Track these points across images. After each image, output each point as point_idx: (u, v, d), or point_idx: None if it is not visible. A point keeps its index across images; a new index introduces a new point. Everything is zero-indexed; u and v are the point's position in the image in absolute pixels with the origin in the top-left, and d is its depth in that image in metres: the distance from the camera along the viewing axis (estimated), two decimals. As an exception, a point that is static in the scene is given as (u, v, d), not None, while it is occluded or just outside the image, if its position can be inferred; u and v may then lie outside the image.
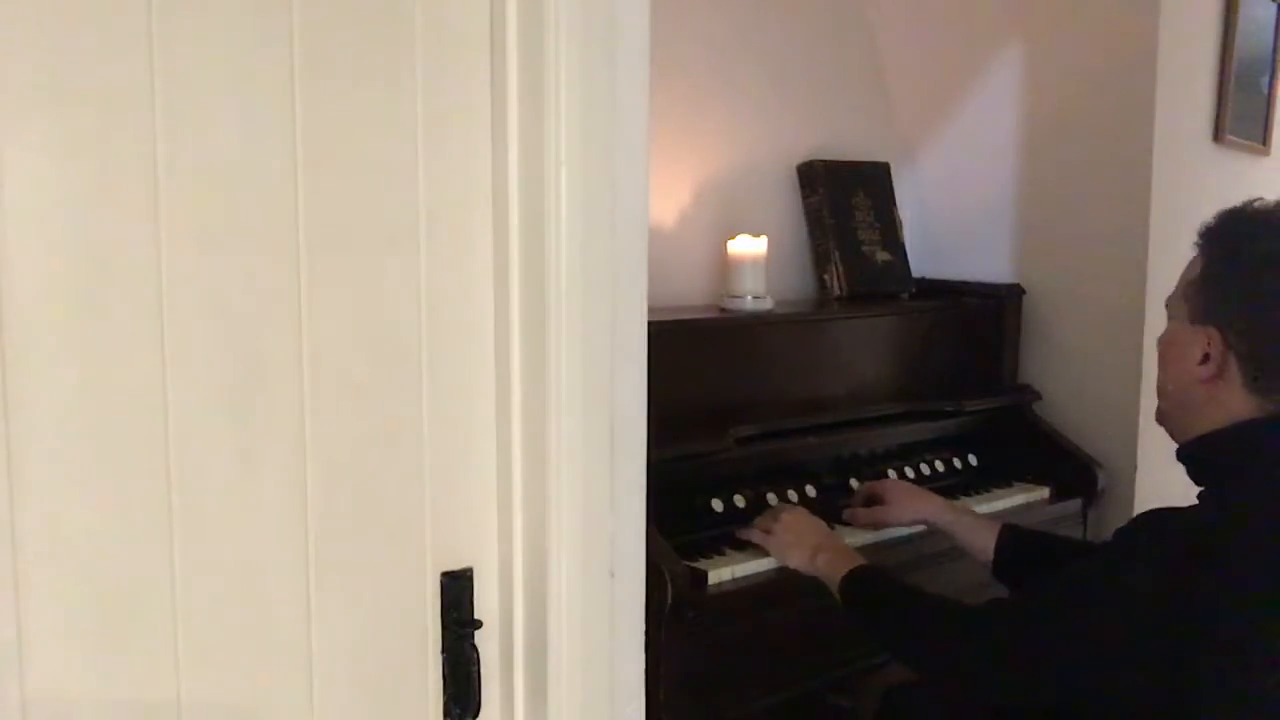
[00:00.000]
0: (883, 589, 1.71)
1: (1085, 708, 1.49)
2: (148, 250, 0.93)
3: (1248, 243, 1.49)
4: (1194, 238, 1.56)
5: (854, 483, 2.23)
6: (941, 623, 1.61)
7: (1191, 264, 1.55)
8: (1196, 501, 1.52)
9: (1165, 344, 1.58)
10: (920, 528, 2.09)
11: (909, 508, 2.05)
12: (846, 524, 2.09)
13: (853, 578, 1.71)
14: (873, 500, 2.10)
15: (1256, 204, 1.52)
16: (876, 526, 2.07)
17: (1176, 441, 1.58)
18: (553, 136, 1.08)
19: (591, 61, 1.08)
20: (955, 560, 2.12)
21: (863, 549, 2.01)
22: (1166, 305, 1.59)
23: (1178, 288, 1.56)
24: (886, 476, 2.29)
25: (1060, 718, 1.62)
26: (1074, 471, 2.49)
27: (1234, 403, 1.48)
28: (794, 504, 2.05)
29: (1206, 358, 1.48)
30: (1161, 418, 1.61)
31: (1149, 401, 2.42)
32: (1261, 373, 1.47)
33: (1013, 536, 1.89)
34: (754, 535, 1.91)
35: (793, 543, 1.85)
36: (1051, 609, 1.50)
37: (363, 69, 1.04)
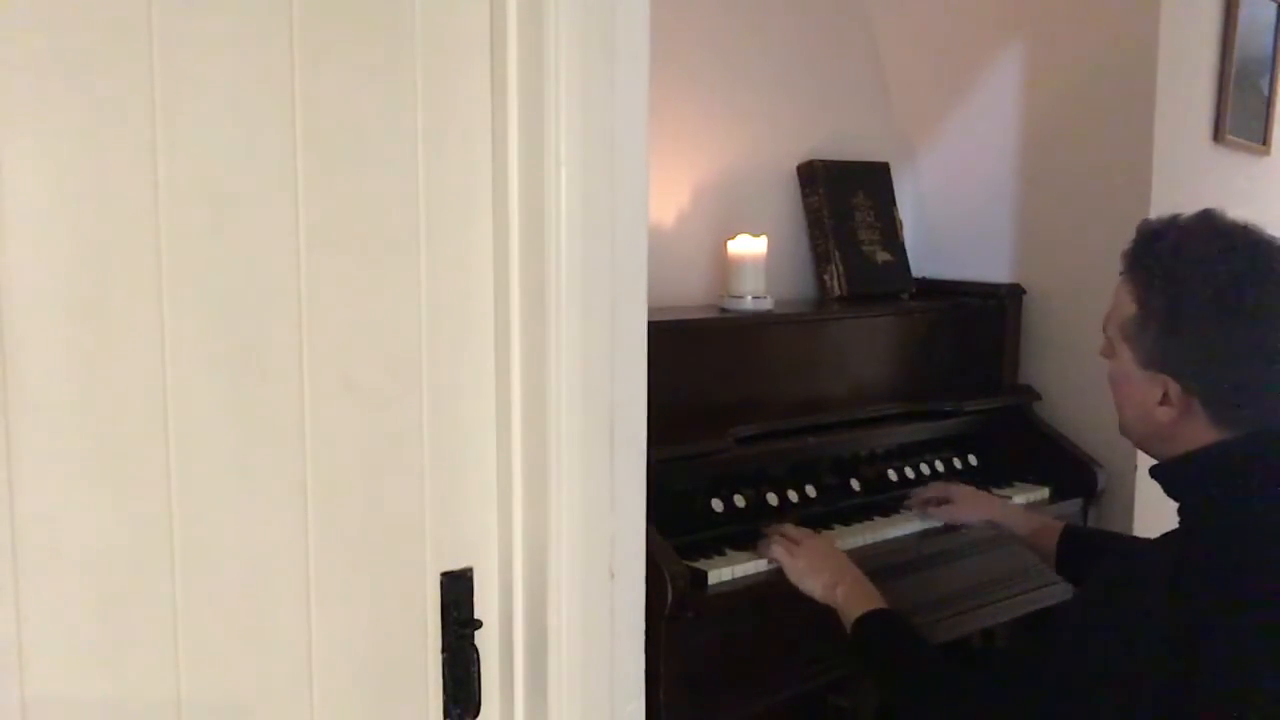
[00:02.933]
0: (894, 639, 1.68)
1: None
2: (148, 251, 0.93)
3: (1182, 285, 1.41)
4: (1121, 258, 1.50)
5: (854, 483, 2.23)
6: (943, 685, 1.59)
7: (1122, 297, 1.48)
8: (1177, 515, 1.51)
9: (1118, 383, 1.52)
10: (924, 527, 2.15)
11: (978, 509, 2.13)
12: (850, 522, 2.10)
13: (867, 621, 1.69)
14: (940, 500, 2.18)
15: (1181, 223, 1.46)
16: (944, 521, 2.16)
17: (1146, 454, 1.55)
18: (553, 136, 1.07)
19: (591, 61, 1.08)
20: (954, 561, 2.13)
21: (864, 549, 2.01)
22: (1105, 331, 1.53)
23: (1113, 320, 1.50)
24: (886, 477, 2.30)
25: None
26: (1074, 471, 2.49)
27: (1202, 432, 1.44)
28: (815, 517, 2.03)
29: (1165, 398, 1.44)
30: (1127, 436, 1.57)
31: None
32: (1225, 409, 1.42)
33: (1073, 536, 1.93)
34: (776, 552, 1.89)
35: (814, 570, 1.82)
36: (1044, 682, 1.47)
37: (363, 69, 1.04)
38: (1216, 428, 1.43)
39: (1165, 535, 1.48)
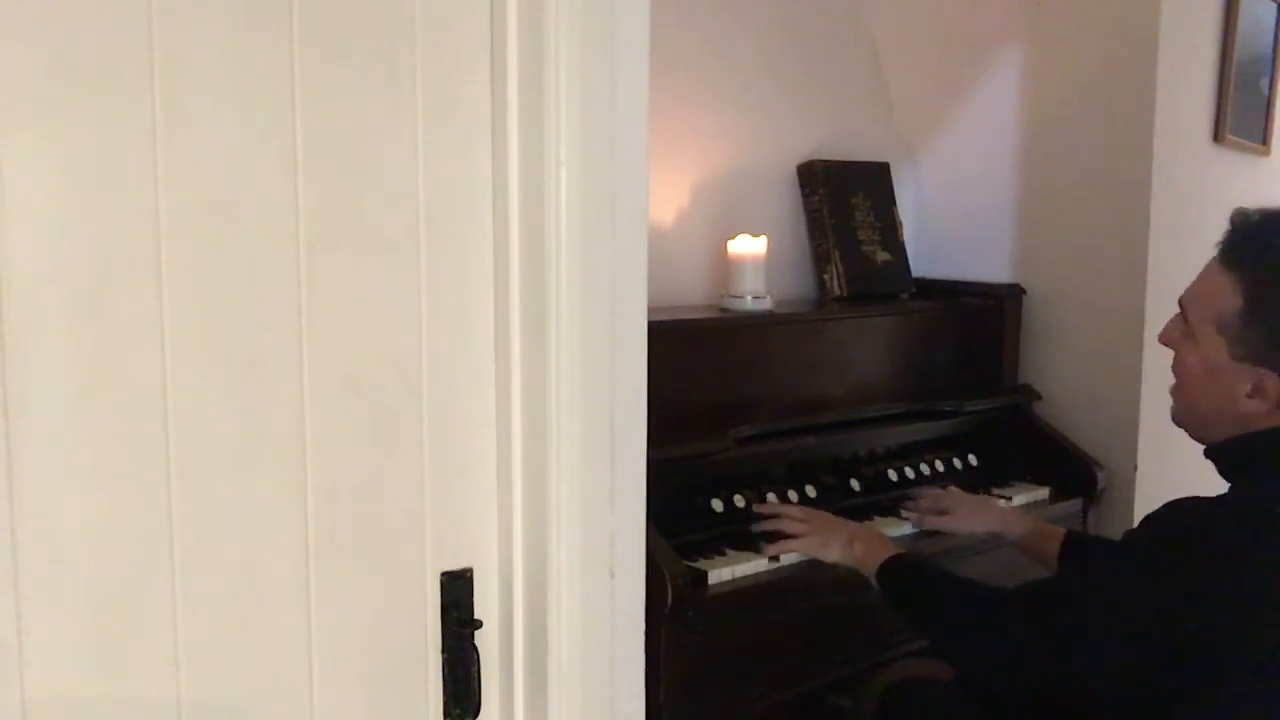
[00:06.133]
0: (919, 577, 1.72)
1: (1109, 692, 1.49)
2: (148, 250, 0.93)
3: None
4: (1216, 247, 1.47)
5: (854, 483, 2.23)
6: (975, 607, 1.61)
7: (1222, 288, 1.45)
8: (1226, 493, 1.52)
9: (1200, 372, 1.49)
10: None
11: (977, 518, 2.09)
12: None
13: (889, 567, 1.73)
14: (936, 509, 2.14)
15: None
16: (944, 530, 2.11)
17: (1198, 442, 1.55)
18: (553, 136, 1.07)
19: (591, 61, 1.08)
20: (953, 560, 2.12)
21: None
22: (1188, 319, 1.51)
23: (1206, 309, 1.47)
24: (886, 477, 2.30)
25: (1067, 716, 1.62)
26: (1074, 471, 2.49)
27: (1277, 417, 1.44)
28: (798, 504, 2.05)
29: (1255, 391, 1.43)
30: (1182, 417, 1.57)
31: (1149, 401, 2.44)
32: None
33: (1075, 543, 1.92)
34: (790, 544, 1.90)
35: (829, 537, 1.86)
36: (1078, 592, 1.50)
37: (363, 69, 1.04)
38: None
39: (1216, 498, 1.47)
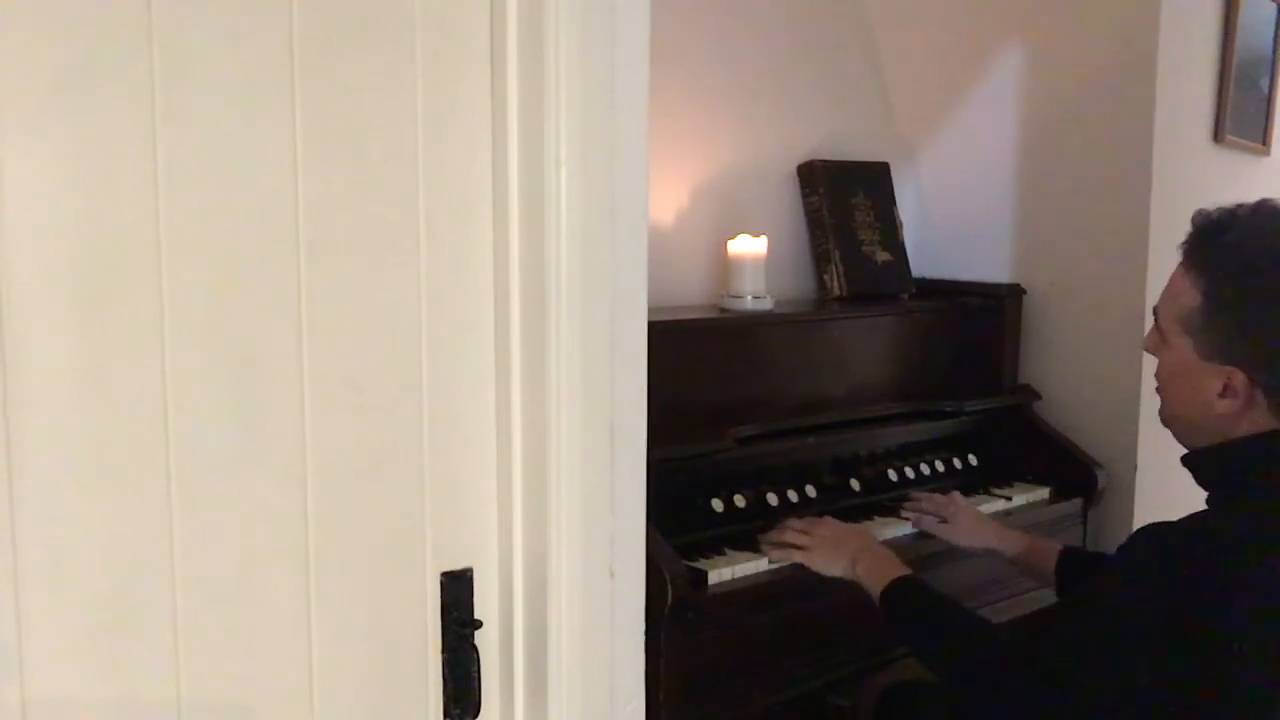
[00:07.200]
0: (921, 604, 1.70)
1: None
2: (148, 250, 0.93)
3: (1253, 275, 1.41)
4: (1180, 249, 1.48)
5: (854, 483, 2.23)
6: (974, 645, 1.61)
7: (1184, 288, 1.47)
8: (1204, 506, 1.51)
9: (1173, 374, 1.51)
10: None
11: (975, 533, 2.08)
12: (850, 522, 2.10)
13: (893, 590, 1.71)
14: (937, 514, 2.13)
15: (1245, 214, 1.44)
16: (939, 538, 2.11)
17: (1183, 445, 1.56)
18: (553, 136, 1.07)
19: (591, 61, 1.08)
20: (953, 561, 2.13)
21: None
22: (1159, 324, 1.52)
23: (1171, 311, 1.49)
24: (886, 477, 2.29)
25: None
26: (1074, 472, 2.49)
27: (1256, 421, 1.45)
28: (814, 516, 2.03)
29: (1227, 390, 1.43)
30: (1167, 424, 1.57)
31: (1149, 401, 2.42)
32: None
33: (1071, 558, 1.92)
34: (795, 556, 1.89)
35: (833, 554, 1.84)
36: (1072, 632, 1.49)
37: (363, 69, 1.04)
38: (1271, 415, 1.44)
39: (1187, 517, 1.47)
